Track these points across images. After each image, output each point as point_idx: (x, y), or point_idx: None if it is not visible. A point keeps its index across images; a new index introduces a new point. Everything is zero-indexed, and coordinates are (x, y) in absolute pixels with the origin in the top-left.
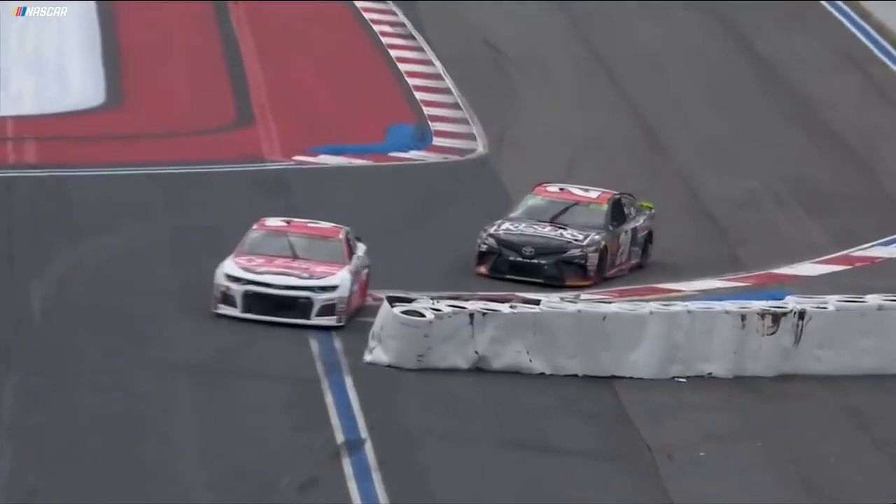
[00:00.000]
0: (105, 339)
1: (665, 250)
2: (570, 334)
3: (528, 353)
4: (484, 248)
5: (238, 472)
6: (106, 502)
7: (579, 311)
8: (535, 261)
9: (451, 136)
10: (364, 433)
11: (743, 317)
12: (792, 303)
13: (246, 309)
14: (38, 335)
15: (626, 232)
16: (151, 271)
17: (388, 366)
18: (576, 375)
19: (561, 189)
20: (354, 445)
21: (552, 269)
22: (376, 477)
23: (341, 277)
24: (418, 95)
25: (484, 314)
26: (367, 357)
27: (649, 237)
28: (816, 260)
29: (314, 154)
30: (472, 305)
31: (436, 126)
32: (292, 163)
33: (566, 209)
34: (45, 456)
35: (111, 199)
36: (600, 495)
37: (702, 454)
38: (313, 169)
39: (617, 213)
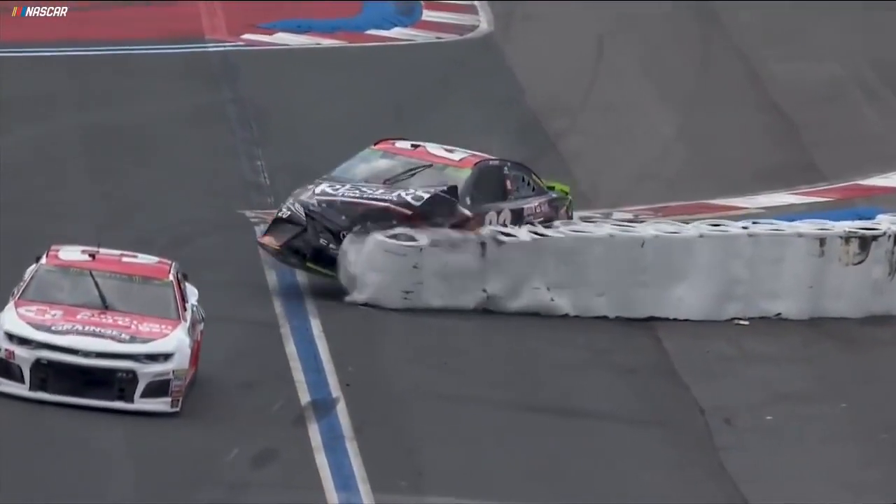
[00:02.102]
0: (2, 277)
1: (717, 156)
2: (601, 265)
3: (548, 290)
4: (285, 215)
5: (173, 442)
6: (9, 483)
7: (611, 236)
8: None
9: (445, 9)
10: (336, 392)
11: (821, 241)
12: (885, 223)
13: (37, 385)
14: None
15: (502, 212)
16: (59, 183)
17: (366, 304)
18: (606, 318)
19: (414, 146)
20: (324, 407)
21: None
22: (351, 447)
23: (177, 340)
24: None
25: (494, 240)
26: None
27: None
28: None
29: (269, 31)
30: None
31: None
32: (241, 43)
33: (410, 171)
34: None
35: (3, 90)
36: (639, 470)
37: (768, 418)
38: (268, 51)
39: (488, 183)
